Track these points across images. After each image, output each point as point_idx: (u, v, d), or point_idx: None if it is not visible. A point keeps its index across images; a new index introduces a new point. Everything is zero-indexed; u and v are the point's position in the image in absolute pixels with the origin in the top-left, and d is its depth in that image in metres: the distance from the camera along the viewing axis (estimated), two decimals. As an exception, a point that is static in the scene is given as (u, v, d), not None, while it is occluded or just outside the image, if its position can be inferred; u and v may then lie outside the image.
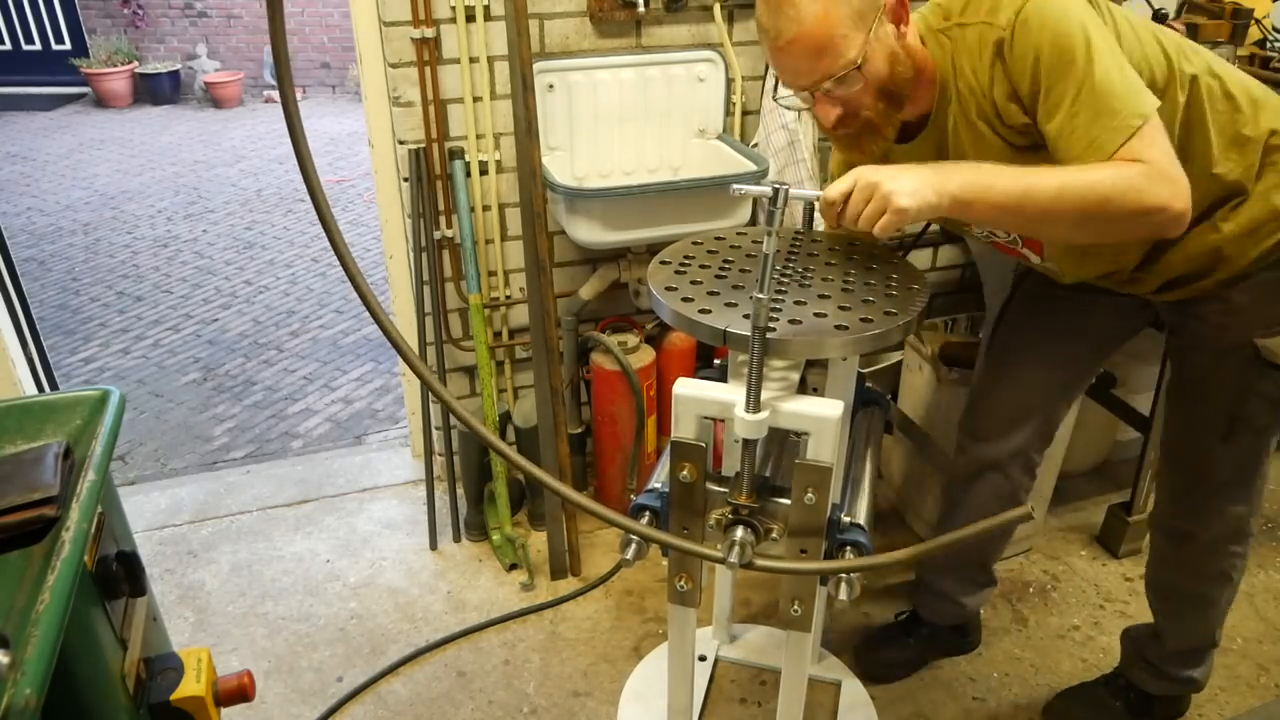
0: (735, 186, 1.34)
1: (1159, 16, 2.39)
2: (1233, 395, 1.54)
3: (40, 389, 2.60)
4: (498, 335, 2.44)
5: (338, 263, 1.06)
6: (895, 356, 2.62)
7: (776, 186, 1.18)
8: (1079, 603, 2.25)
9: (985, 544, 1.94)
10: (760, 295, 1.12)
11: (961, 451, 1.87)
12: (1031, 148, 1.31)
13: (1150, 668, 1.84)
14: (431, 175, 2.21)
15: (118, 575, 1.17)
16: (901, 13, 1.30)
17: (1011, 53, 1.26)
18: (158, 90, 7.92)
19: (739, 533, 1.26)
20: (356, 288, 1.09)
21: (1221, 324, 1.51)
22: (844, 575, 1.24)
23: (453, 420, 2.38)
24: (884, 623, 2.14)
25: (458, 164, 2.18)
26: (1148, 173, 1.20)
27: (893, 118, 1.36)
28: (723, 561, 1.21)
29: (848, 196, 1.24)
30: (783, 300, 1.29)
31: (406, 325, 2.47)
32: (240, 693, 1.28)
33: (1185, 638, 1.80)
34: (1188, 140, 1.36)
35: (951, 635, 2.08)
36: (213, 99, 7.87)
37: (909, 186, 1.20)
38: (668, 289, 1.33)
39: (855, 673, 1.97)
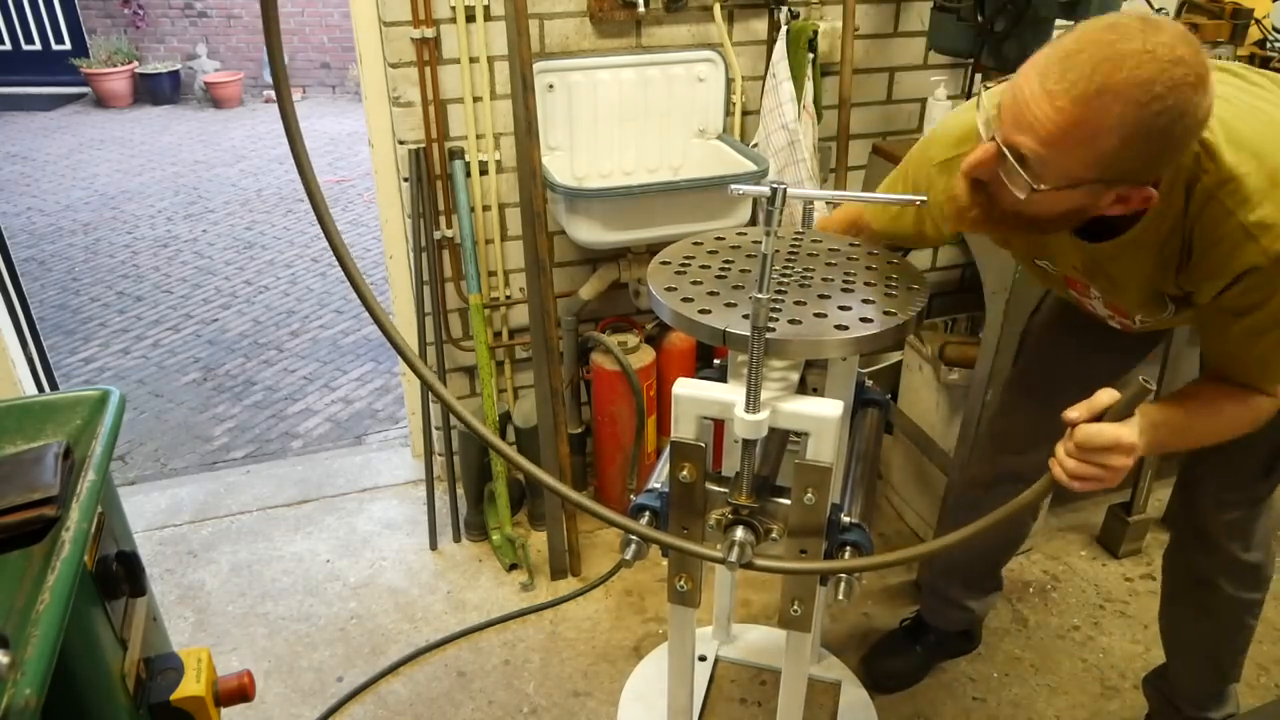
0: (734, 187, 1.33)
1: (1159, 16, 2.39)
2: (1274, 428, 1.44)
3: (40, 389, 2.60)
4: (498, 335, 2.44)
5: (338, 263, 1.06)
6: (895, 356, 2.62)
7: (775, 186, 1.18)
8: (1079, 603, 2.25)
9: (997, 549, 1.93)
10: (760, 295, 1.11)
11: (985, 459, 1.83)
12: (1180, 299, 1.25)
13: (1180, 715, 1.79)
14: (431, 175, 2.21)
15: (118, 575, 1.17)
16: (1138, 204, 1.09)
17: (1253, 277, 1.12)
18: (158, 90, 7.92)
19: (739, 533, 1.25)
20: (356, 288, 1.09)
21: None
22: (844, 575, 1.24)
23: (453, 420, 2.38)
24: (889, 630, 2.14)
25: (458, 164, 2.18)
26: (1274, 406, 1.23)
27: (1015, 231, 1.20)
28: (722, 561, 1.21)
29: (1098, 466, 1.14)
30: (782, 300, 1.29)
31: (406, 325, 2.47)
32: (240, 693, 1.28)
33: (1206, 682, 1.76)
34: None
35: (957, 640, 2.07)
36: (213, 99, 7.87)
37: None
38: (668, 289, 1.33)
39: (863, 684, 1.96)
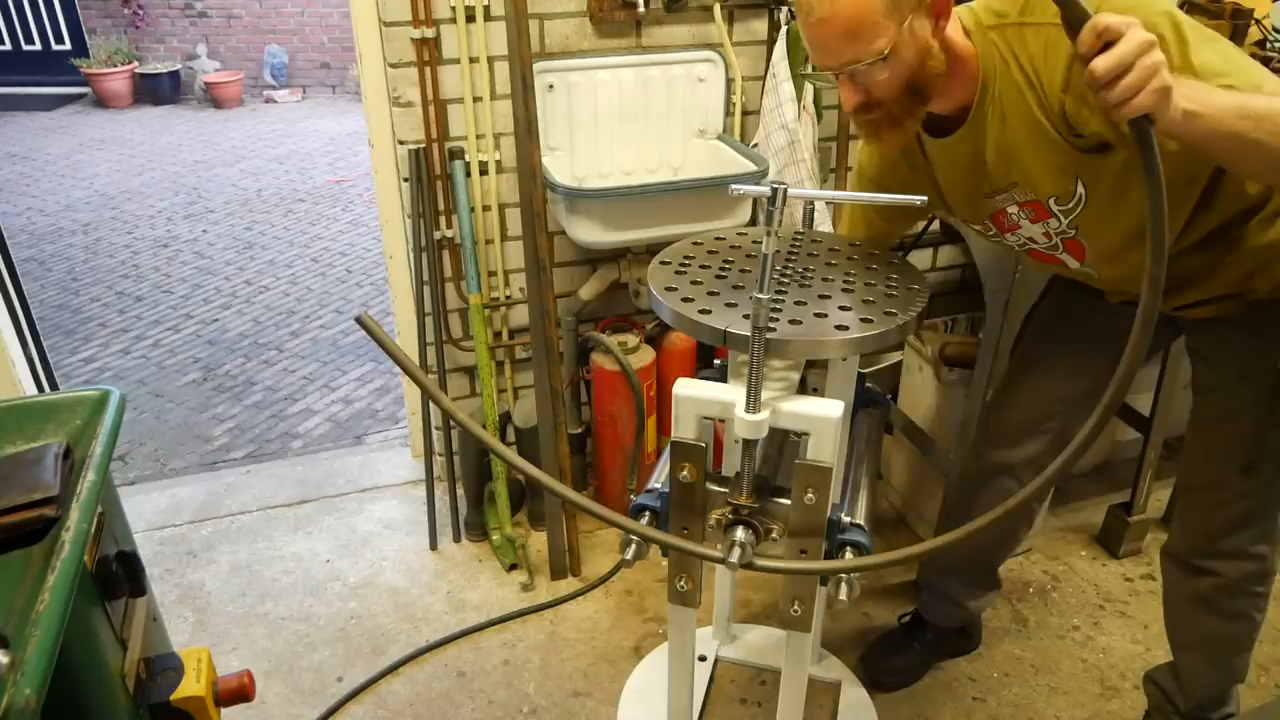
0: (734, 186, 1.32)
1: (1159, 16, 2.39)
2: (1253, 424, 1.49)
3: (40, 389, 2.60)
4: (498, 335, 2.43)
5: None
6: (895, 356, 2.62)
7: (776, 186, 1.18)
8: (1079, 603, 2.25)
9: (992, 547, 1.92)
10: (760, 295, 1.11)
11: (976, 454, 1.84)
12: (1098, 149, 1.26)
13: (1178, 713, 1.79)
14: (431, 175, 2.21)
15: (118, 575, 1.17)
16: (943, 6, 1.24)
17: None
18: (158, 90, 7.92)
19: (739, 533, 1.25)
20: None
21: (1246, 348, 1.47)
22: (844, 575, 1.24)
23: (453, 420, 2.38)
24: (887, 628, 2.14)
25: (458, 164, 2.18)
26: None
27: (916, 111, 1.30)
28: (723, 562, 1.21)
29: (1118, 44, 0.97)
30: (783, 300, 1.29)
31: (406, 325, 2.47)
32: (240, 693, 1.28)
33: (1209, 679, 1.75)
34: None
35: (955, 637, 2.07)
36: (213, 99, 7.87)
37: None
38: (668, 289, 1.33)
39: (862, 682, 1.96)
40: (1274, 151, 1.11)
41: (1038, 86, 1.26)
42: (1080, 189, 1.31)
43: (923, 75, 1.25)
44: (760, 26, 2.29)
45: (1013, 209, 1.42)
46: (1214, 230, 1.38)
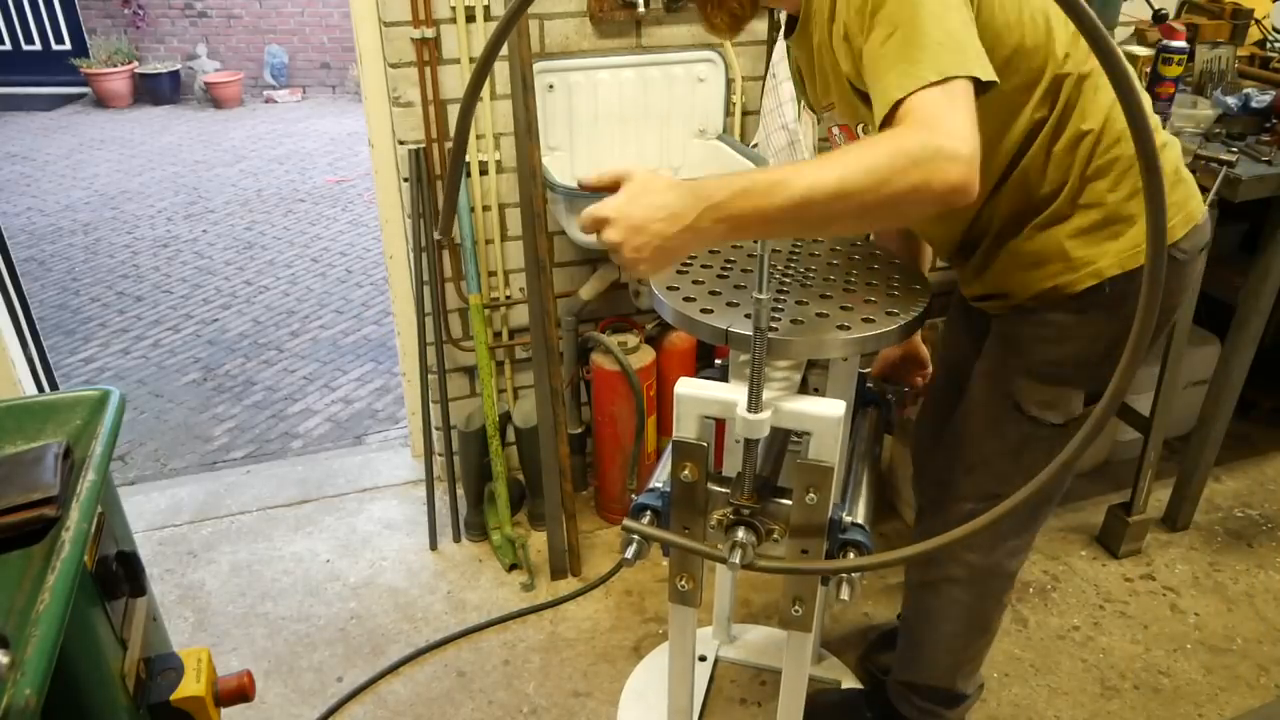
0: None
1: (1159, 17, 2.39)
2: (977, 426, 1.48)
3: (40, 389, 2.60)
4: (498, 335, 2.43)
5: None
6: (895, 357, 2.62)
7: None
8: (1079, 603, 2.25)
9: None
10: (761, 295, 1.11)
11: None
12: (865, 97, 1.17)
13: (897, 686, 1.78)
14: (431, 175, 2.21)
15: (118, 575, 1.17)
16: None
17: None
18: (158, 90, 7.91)
19: (740, 533, 1.25)
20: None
21: (994, 347, 1.47)
22: (845, 575, 1.24)
23: (452, 420, 2.38)
24: (886, 625, 2.14)
25: (458, 164, 2.17)
26: (924, 143, 1.00)
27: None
28: (724, 562, 1.21)
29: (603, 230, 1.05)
30: (784, 300, 1.29)
31: (406, 325, 2.47)
32: (240, 693, 1.28)
33: (906, 666, 1.75)
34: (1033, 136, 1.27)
35: None
36: (213, 99, 7.87)
37: (636, 234, 1.03)
38: (669, 289, 1.33)
39: (857, 677, 1.96)
40: (849, 225, 1.08)
41: (834, 10, 1.19)
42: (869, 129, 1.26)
43: None
44: (760, 26, 2.29)
45: (836, 130, 1.38)
46: (1004, 223, 1.36)
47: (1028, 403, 1.41)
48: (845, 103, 1.28)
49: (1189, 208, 1.35)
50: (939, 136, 0.99)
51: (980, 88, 1.06)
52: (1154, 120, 1.24)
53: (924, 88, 1.02)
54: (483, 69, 0.98)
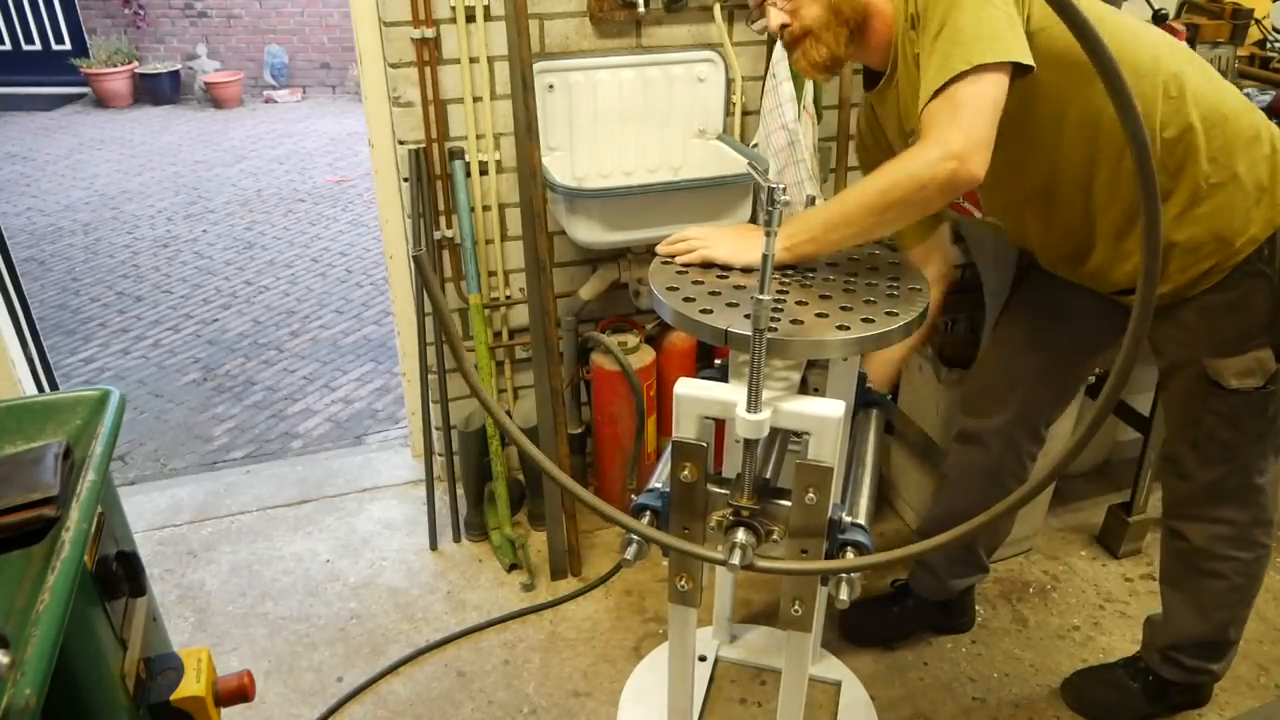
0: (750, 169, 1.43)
1: (1159, 17, 2.39)
2: (1188, 410, 1.58)
3: (40, 389, 2.60)
4: (498, 335, 2.43)
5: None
6: (895, 357, 2.62)
7: (772, 187, 1.18)
8: (1079, 603, 2.25)
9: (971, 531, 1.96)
10: (761, 296, 1.11)
11: (953, 423, 1.95)
12: None
13: (1160, 653, 1.86)
14: (431, 175, 2.21)
15: (118, 575, 1.17)
16: None
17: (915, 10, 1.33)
18: (158, 90, 7.92)
19: (740, 534, 1.25)
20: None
21: (1171, 341, 1.55)
22: (844, 575, 1.24)
23: (452, 420, 2.38)
24: (878, 591, 2.18)
25: (458, 164, 2.18)
26: (924, 145, 1.24)
27: (836, 30, 1.39)
28: (724, 563, 1.21)
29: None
30: (784, 300, 1.29)
31: (406, 325, 2.47)
32: (240, 693, 1.28)
33: (1184, 629, 1.82)
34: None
35: (936, 612, 2.11)
36: (213, 99, 7.87)
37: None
38: (669, 289, 1.33)
39: (838, 631, 2.01)
40: (878, 226, 1.33)
41: (914, 42, 1.36)
42: None
43: (849, 9, 1.38)
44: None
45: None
46: (1125, 218, 1.45)
47: (1227, 378, 1.49)
48: None
49: None
50: (933, 146, 1.23)
51: (1019, 70, 1.24)
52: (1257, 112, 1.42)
53: (953, 80, 1.21)
54: None
